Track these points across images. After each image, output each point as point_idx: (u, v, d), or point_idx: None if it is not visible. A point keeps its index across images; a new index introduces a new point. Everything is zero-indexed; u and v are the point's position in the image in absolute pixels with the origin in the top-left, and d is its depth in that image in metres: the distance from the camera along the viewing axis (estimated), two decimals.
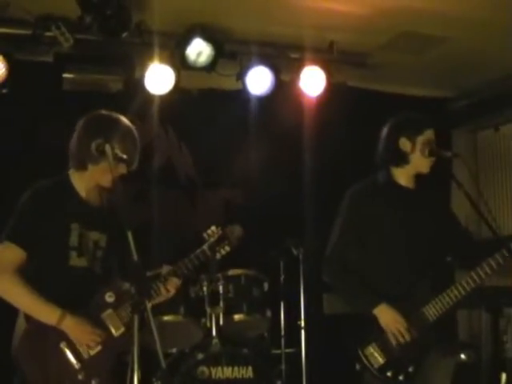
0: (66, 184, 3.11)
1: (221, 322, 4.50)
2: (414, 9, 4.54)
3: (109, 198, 3.23)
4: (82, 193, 3.11)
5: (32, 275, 2.99)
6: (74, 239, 3.03)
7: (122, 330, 3.05)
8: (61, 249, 3.01)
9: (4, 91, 4.70)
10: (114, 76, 4.90)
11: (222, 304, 4.51)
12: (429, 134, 3.37)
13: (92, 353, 2.99)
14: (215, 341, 4.46)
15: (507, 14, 4.54)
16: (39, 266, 3.00)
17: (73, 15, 4.38)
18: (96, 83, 4.94)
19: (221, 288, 4.52)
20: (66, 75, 4.81)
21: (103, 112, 3.15)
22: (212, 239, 3.31)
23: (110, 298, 3.06)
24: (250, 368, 4.34)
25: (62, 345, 2.96)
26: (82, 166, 3.07)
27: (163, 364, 2.41)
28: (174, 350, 4.58)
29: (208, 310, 4.49)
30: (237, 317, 4.56)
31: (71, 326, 2.94)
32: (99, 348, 3.00)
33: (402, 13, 4.60)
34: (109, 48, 4.76)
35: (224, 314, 4.51)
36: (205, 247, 3.29)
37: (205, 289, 4.48)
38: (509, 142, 6.16)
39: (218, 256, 3.34)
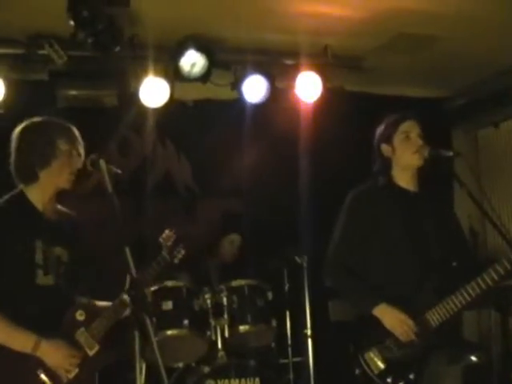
0: (22, 199, 2.97)
1: (226, 334, 4.44)
2: (407, 10, 4.52)
3: (63, 212, 3.11)
4: (39, 207, 2.98)
5: (0, 298, 2.85)
6: (39, 256, 2.91)
7: (97, 348, 2.95)
8: (27, 267, 2.88)
9: (0, 111, 4.70)
10: (108, 91, 4.90)
11: (226, 316, 4.45)
12: (404, 126, 3.37)
13: (70, 376, 2.88)
14: (221, 353, 4.41)
15: (501, 12, 4.52)
16: (5, 288, 2.86)
17: (65, 32, 4.37)
18: (91, 99, 4.93)
19: (224, 300, 4.46)
20: (60, 92, 4.80)
21: (38, 119, 3.06)
22: (169, 243, 3.29)
23: (80, 316, 2.96)
24: (257, 379, 4.29)
25: (39, 372, 2.83)
26: (31, 177, 2.96)
27: (165, 380, 2.37)
28: (180, 365, 4.53)
29: (212, 322, 4.44)
30: (242, 328, 4.50)
31: (47, 351, 2.82)
32: (77, 370, 2.89)
33: (396, 14, 4.58)
34: (102, 63, 4.75)
35: (229, 326, 4.45)
36: (163, 253, 3.27)
37: (208, 301, 4.43)
38: (509, 139, 6.13)
39: (176, 261, 3.32)
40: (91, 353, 2.94)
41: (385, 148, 3.40)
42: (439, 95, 6.22)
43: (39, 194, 2.99)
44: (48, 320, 2.86)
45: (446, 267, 3.35)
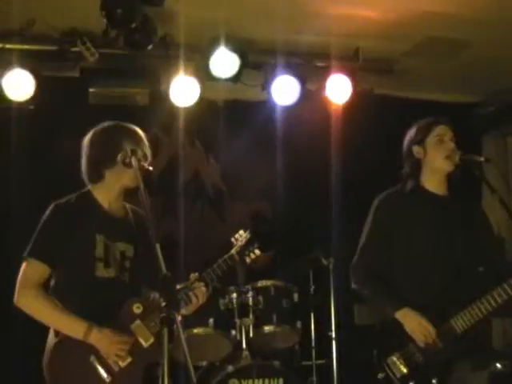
0: (88, 197, 3.12)
1: (251, 334, 4.45)
2: (439, 14, 4.50)
3: (134, 210, 3.23)
4: (105, 204, 3.12)
5: (60, 289, 3.01)
6: (99, 250, 3.03)
7: (152, 340, 3.01)
8: (87, 260, 3.01)
9: (31, 107, 4.75)
10: (139, 89, 4.93)
11: (251, 316, 4.46)
12: (438, 129, 3.37)
13: (122, 365, 2.95)
14: (245, 353, 4.42)
15: None
16: (66, 280, 3.01)
17: (97, 30, 4.41)
18: (122, 97, 4.97)
19: (250, 300, 4.48)
20: (91, 89, 4.85)
21: (107, 124, 3.16)
22: (240, 243, 3.28)
23: (137, 309, 3.03)
24: (280, 380, 4.29)
25: (92, 359, 2.94)
26: (98, 176, 3.10)
27: (193, 378, 2.38)
28: (204, 363, 4.55)
29: (238, 321, 4.46)
30: (267, 328, 4.51)
31: (98, 338, 2.92)
32: (129, 360, 2.96)
33: (427, 18, 4.56)
34: (134, 61, 4.79)
35: (254, 326, 4.46)
36: (233, 251, 3.26)
37: (234, 301, 4.45)
38: None
39: (248, 260, 3.30)
40: (146, 344, 3.00)
41: (416, 149, 3.39)
42: (470, 100, 6.16)
43: (105, 193, 3.12)
44: (106, 311, 2.96)
45: (473, 272, 3.33)
